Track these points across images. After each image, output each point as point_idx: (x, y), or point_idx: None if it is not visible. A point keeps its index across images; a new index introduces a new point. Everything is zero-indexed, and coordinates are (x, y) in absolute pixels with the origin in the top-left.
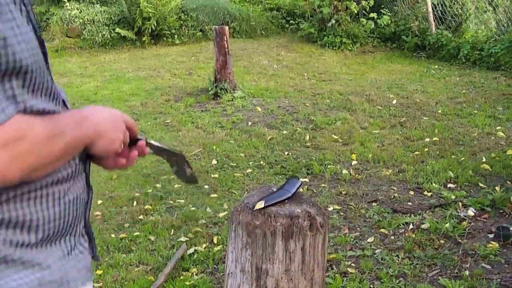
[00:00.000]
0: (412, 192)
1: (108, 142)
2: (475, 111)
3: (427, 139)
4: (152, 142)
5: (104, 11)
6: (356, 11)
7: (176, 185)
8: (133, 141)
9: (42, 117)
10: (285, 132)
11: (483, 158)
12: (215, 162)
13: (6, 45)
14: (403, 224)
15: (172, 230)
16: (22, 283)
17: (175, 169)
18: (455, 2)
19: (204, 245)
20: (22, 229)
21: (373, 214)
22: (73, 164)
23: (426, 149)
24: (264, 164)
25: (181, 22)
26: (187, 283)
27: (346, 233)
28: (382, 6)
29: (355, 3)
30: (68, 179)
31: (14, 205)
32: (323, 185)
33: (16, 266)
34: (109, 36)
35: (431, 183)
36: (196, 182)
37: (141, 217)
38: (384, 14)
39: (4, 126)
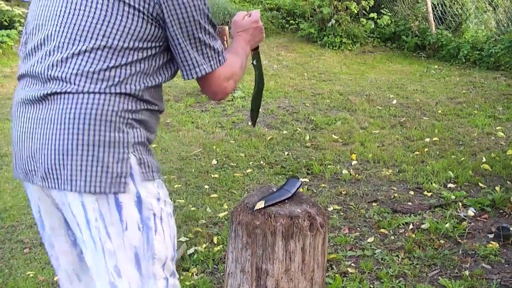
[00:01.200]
0: (412, 192)
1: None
2: (475, 111)
3: (427, 139)
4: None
5: None
6: (356, 11)
7: (176, 185)
8: None
9: (236, 53)
10: (285, 132)
11: (483, 158)
12: (215, 162)
13: None
14: (403, 224)
15: None
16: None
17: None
18: (455, 2)
19: (204, 245)
20: (149, 130)
21: (373, 214)
22: None
23: (426, 149)
24: (264, 164)
25: None
26: (187, 283)
27: (346, 233)
28: (382, 6)
29: (355, 3)
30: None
31: (146, 113)
32: (323, 185)
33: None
34: None
35: (431, 183)
36: (253, 124)
37: None
38: (384, 14)
39: (225, 65)
